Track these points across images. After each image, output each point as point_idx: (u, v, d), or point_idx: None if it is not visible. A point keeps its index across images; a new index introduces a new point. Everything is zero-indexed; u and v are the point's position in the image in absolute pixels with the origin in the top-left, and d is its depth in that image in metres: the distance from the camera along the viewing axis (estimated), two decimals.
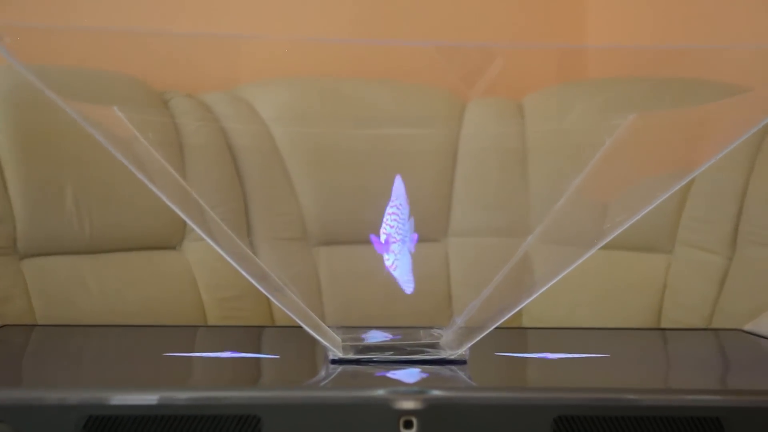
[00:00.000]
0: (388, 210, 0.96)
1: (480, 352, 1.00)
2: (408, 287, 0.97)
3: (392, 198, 0.97)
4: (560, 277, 0.95)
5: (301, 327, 0.97)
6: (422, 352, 0.98)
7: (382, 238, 0.95)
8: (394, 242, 0.96)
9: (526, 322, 1.57)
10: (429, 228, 1.56)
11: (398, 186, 0.97)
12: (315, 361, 1.03)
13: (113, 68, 1.46)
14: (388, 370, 0.94)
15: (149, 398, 0.85)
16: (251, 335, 1.27)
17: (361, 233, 1.00)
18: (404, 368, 0.95)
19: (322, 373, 0.95)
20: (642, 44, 1.58)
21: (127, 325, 1.27)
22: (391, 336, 1.04)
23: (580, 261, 0.95)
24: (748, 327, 1.25)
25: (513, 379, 1.00)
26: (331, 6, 1.72)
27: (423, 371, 0.94)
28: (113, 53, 1.32)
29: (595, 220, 1.04)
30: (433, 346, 1.00)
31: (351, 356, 0.97)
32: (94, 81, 1.39)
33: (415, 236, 0.98)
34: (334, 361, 0.96)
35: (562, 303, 1.55)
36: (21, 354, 1.09)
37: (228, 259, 0.97)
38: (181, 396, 0.86)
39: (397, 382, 0.90)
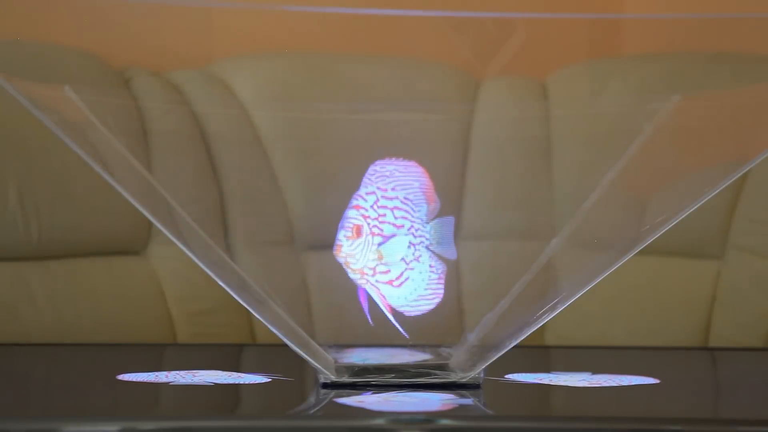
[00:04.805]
0: (389, 204, 0.96)
1: (496, 375, 1.01)
2: (417, 308, 0.97)
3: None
4: (590, 287, 0.96)
5: (286, 345, 0.98)
6: (429, 375, 0.99)
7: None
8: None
9: (550, 340, 1.57)
10: None
11: (406, 172, 0.97)
12: (303, 385, 1.04)
13: (64, 41, 1.46)
14: (389, 395, 0.95)
15: (108, 429, 0.86)
16: (228, 355, 1.27)
17: None
18: (408, 393, 0.96)
19: (312, 399, 0.96)
20: (688, 12, 1.58)
21: (82, 343, 1.27)
22: (392, 356, 1.05)
23: (613, 269, 0.96)
24: None
25: (534, 406, 1.00)
26: None
27: (430, 397, 0.95)
28: (64, 23, 1.32)
29: (632, 220, 1.04)
30: (442, 367, 1.00)
31: (345, 379, 0.98)
32: (41, 56, 1.40)
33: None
34: (325, 385, 0.97)
35: (592, 318, 1.56)
36: None
37: (201, 265, 0.97)
38: (147, 426, 0.87)
39: (400, 410, 0.91)
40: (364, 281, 0.95)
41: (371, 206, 0.95)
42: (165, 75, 1.58)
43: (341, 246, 0.94)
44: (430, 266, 0.97)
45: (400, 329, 0.95)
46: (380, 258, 0.95)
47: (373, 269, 0.95)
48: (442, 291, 0.98)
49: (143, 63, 1.58)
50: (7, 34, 1.28)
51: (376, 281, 0.95)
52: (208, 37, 1.60)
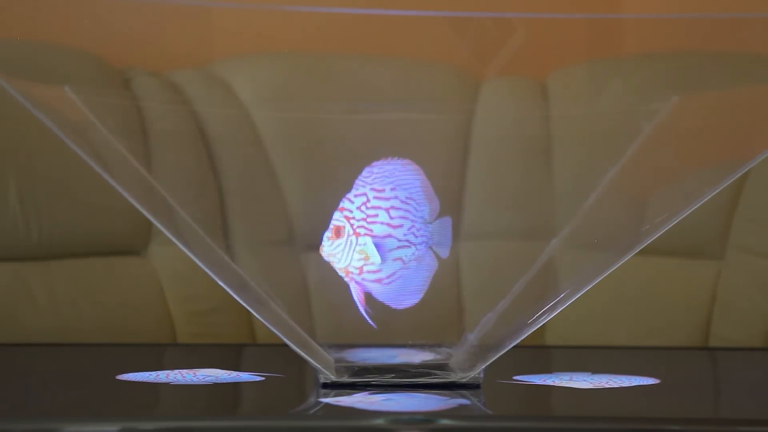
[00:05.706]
0: (385, 204, 0.96)
1: (496, 375, 1.01)
2: (399, 303, 0.97)
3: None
4: (590, 287, 0.96)
5: (286, 345, 0.98)
6: (428, 375, 0.99)
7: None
8: (403, 246, 0.96)
9: (550, 340, 1.57)
10: None
11: (405, 173, 0.97)
12: (303, 385, 1.04)
13: (64, 41, 1.46)
14: (389, 395, 0.95)
15: (108, 429, 0.86)
16: (228, 355, 1.27)
17: None
18: (408, 393, 0.96)
19: (312, 399, 0.96)
20: (688, 12, 1.58)
21: (82, 343, 1.27)
22: (392, 356, 1.05)
23: (613, 269, 0.96)
24: None
25: (535, 406, 1.00)
26: None
27: (429, 397, 0.95)
28: (64, 23, 1.32)
29: (632, 220, 1.04)
30: (442, 367, 1.00)
31: (345, 379, 0.98)
32: (41, 56, 1.40)
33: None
34: (325, 385, 0.97)
35: (592, 318, 1.56)
36: None
37: (201, 266, 0.97)
38: (147, 426, 0.87)
39: (400, 410, 0.91)
40: (360, 280, 0.95)
41: (359, 207, 0.95)
42: (165, 75, 1.58)
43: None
44: (429, 266, 0.97)
45: (370, 321, 0.95)
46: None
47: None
48: (440, 291, 0.98)
49: (143, 63, 1.58)
50: (7, 34, 1.28)
51: (371, 280, 0.95)
52: (208, 37, 1.60)
